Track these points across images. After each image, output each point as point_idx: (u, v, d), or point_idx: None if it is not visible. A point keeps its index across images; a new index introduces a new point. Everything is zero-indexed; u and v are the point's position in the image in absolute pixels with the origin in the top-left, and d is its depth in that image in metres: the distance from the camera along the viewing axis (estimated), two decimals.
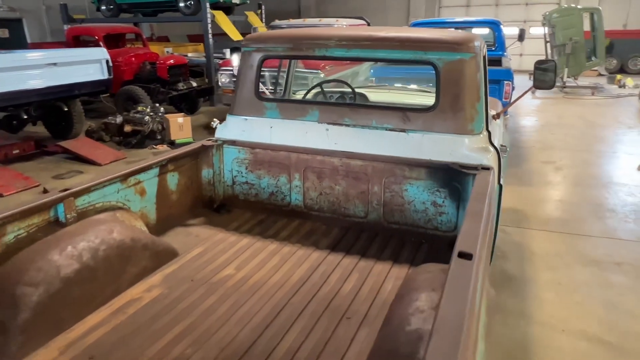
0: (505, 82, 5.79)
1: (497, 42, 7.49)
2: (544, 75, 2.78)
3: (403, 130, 2.55)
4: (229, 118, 2.97)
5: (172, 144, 7.14)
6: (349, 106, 2.71)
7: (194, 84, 9.52)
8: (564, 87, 12.48)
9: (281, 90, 3.77)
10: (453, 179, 2.47)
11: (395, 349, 1.32)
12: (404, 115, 2.55)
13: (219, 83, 7.51)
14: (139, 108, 7.49)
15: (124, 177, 2.37)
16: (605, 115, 9.69)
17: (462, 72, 2.42)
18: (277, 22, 8.62)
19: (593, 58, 12.39)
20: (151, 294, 2.06)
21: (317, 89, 3.58)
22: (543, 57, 13.47)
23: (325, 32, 2.69)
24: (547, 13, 12.56)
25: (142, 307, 1.96)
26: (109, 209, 2.29)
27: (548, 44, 13.16)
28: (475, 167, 2.36)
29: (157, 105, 7.57)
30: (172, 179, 2.76)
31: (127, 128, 7.45)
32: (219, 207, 3.01)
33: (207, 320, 1.88)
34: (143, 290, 2.08)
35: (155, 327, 1.84)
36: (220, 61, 10.40)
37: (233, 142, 2.91)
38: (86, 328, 1.82)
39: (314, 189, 2.81)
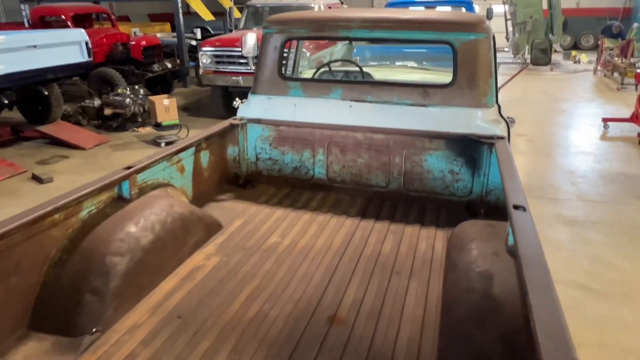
0: None
1: None
2: (541, 53, 3.07)
3: (423, 105, 2.79)
4: (252, 97, 3.11)
5: (158, 126, 7.11)
6: (371, 84, 2.92)
7: (169, 65, 9.40)
8: (525, 63, 13.10)
9: (288, 70, 3.91)
10: (469, 148, 2.74)
11: (470, 287, 1.57)
12: (423, 92, 2.78)
13: (200, 64, 7.49)
14: (119, 91, 7.39)
15: (171, 156, 2.49)
16: (565, 89, 10.32)
17: (477, 51, 2.67)
18: (253, 1, 8.60)
19: (551, 35, 13.03)
20: (211, 261, 2.23)
21: (325, 68, 3.76)
22: (503, 34, 14.06)
23: (348, 14, 2.86)
24: None
25: (208, 273, 2.13)
26: (159, 186, 2.42)
27: (509, 22, 13.73)
28: (491, 137, 2.63)
29: (137, 87, 7.48)
30: (205, 157, 2.90)
31: (107, 111, 7.34)
32: (244, 182, 3.17)
33: (272, 282, 2.07)
34: (203, 259, 2.24)
35: (227, 290, 2.01)
36: (194, 42, 10.27)
37: (258, 121, 3.06)
38: (164, 293, 1.97)
39: (337, 162, 3.02)
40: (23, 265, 1.70)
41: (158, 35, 11.35)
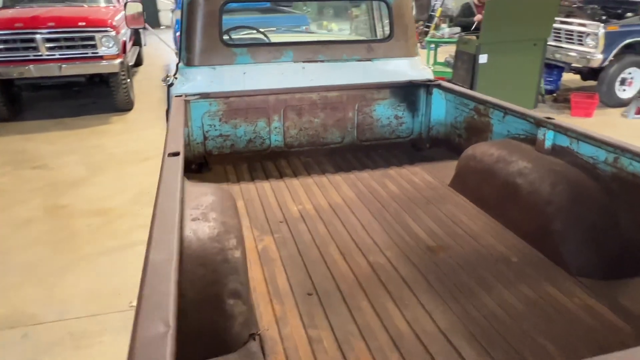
0: None
1: None
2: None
3: (369, 60, 3.01)
4: (189, 70, 2.78)
5: None
6: (321, 43, 2.96)
7: None
8: None
9: None
10: (410, 93, 3.12)
11: (554, 181, 1.94)
12: (368, 47, 3.00)
13: None
14: None
15: None
16: None
17: (407, 6, 3.02)
18: None
19: None
20: (267, 241, 2.06)
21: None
22: None
23: None
24: None
25: (280, 251, 1.98)
26: None
27: None
28: (429, 81, 3.06)
29: None
30: None
31: None
32: (198, 167, 2.84)
33: (343, 240, 2.06)
34: (257, 241, 2.05)
35: (316, 258, 1.93)
36: None
37: (205, 95, 2.76)
38: (258, 279, 1.78)
39: (294, 127, 3.00)
40: None
41: None
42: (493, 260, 1.89)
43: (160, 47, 13.14)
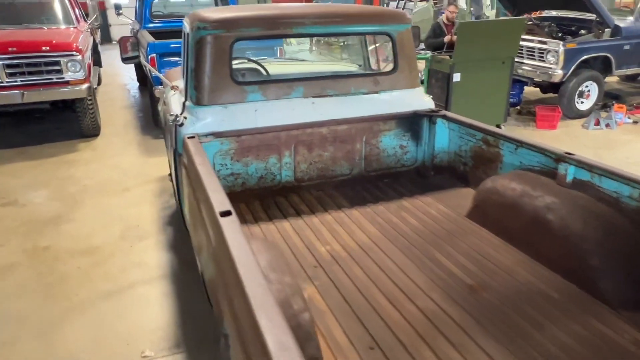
0: None
1: None
2: None
3: (376, 92, 3.05)
4: (200, 110, 2.70)
5: None
6: (330, 78, 2.96)
7: None
8: None
9: None
10: (414, 123, 3.18)
11: (594, 213, 2.03)
12: (374, 80, 3.04)
13: None
14: None
15: None
16: None
17: (409, 39, 3.08)
18: None
19: None
20: (304, 287, 2.03)
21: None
22: None
23: (300, 10, 2.79)
24: None
25: (313, 296, 1.96)
26: None
27: None
28: (433, 111, 3.14)
29: None
30: None
31: None
32: None
33: (376, 286, 2.06)
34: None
35: (360, 303, 1.92)
36: None
37: (218, 135, 2.69)
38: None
39: (304, 162, 2.98)
40: None
41: None
42: (535, 297, 1.95)
43: (115, 64, 12.71)
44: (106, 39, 16.27)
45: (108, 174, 5.47)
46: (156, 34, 7.11)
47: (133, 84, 10.36)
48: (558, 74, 6.60)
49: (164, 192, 4.91)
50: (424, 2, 12.16)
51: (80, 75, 6.00)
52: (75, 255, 3.84)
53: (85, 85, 6.06)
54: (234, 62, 3.93)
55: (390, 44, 3.03)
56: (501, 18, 7.20)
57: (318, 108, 2.91)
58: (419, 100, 3.17)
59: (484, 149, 2.87)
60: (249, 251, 1.43)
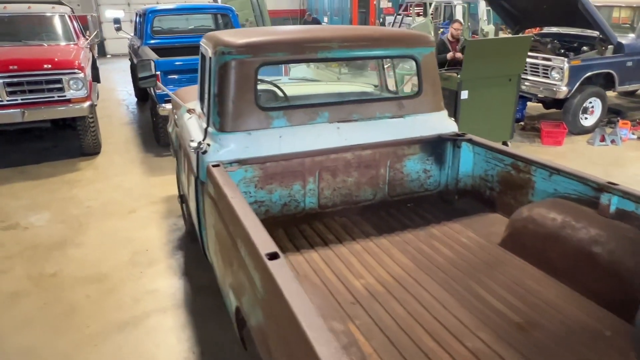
0: None
1: (236, 27, 8.00)
2: None
3: (401, 116, 2.98)
4: (223, 137, 2.61)
5: None
6: (355, 102, 2.89)
7: None
8: None
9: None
10: (437, 147, 3.12)
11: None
12: (399, 104, 2.97)
13: None
14: None
15: None
16: None
17: (433, 62, 3.03)
18: None
19: None
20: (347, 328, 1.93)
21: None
22: None
23: (327, 33, 2.72)
24: None
25: (357, 338, 1.86)
26: None
27: None
28: (458, 135, 3.08)
29: None
30: None
31: None
32: None
33: (420, 325, 1.97)
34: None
35: (405, 343, 1.83)
36: None
37: (244, 162, 2.60)
38: None
39: (327, 188, 2.89)
40: None
41: None
42: (588, 336, 1.87)
43: (111, 79, 12.60)
44: (101, 52, 16.14)
45: (112, 194, 5.33)
46: (157, 50, 7.02)
47: (131, 99, 10.25)
48: (563, 90, 6.61)
49: (171, 214, 4.79)
50: (422, 18, 12.22)
51: (82, 93, 5.89)
52: (83, 282, 3.70)
53: (87, 103, 5.94)
54: None
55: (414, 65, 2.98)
56: (508, 36, 7.22)
57: (343, 133, 2.84)
58: (443, 123, 3.11)
59: (513, 174, 2.80)
60: (307, 302, 1.33)
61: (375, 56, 2.96)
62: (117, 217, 4.78)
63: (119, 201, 5.15)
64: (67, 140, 7.11)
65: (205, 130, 2.71)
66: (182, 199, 4.25)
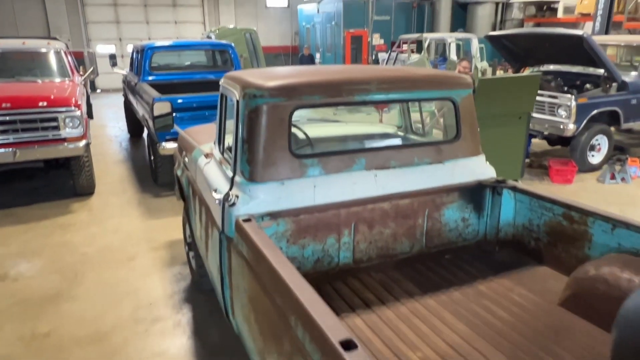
0: None
1: (235, 64, 7.86)
2: None
3: (440, 162, 2.77)
4: (253, 187, 2.35)
5: None
6: (393, 148, 2.67)
7: None
8: None
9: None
10: (476, 194, 2.90)
11: None
12: (437, 149, 2.76)
13: None
14: None
15: None
16: None
17: (471, 104, 2.85)
18: None
19: None
20: None
21: None
22: None
23: (363, 75, 2.53)
24: (213, 31, 13.68)
25: None
26: None
27: None
28: (499, 181, 2.87)
29: None
30: None
31: None
32: None
33: None
34: None
35: None
36: None
37: (275, 215, 2.34)
38: None
39: (363, 241, 2.64)
40: None
41: None
42: None
43: (102, 114, 12.33)
44: (92, 87, 15.92)
45: (109, 239, 4.98)
46: (155, 87, 6.81)
47: (123, 135, 9.97)
48: (570, 128, 6.54)
49: (174, 261, 4.46)
50: (416, 55, 12.32)
51: (79, 131, 5.61)
52: (82, 343, 3.33)
53: (82, 142, 5.66)
54: None
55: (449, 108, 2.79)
56: (519, 74, 7.20)
57: (380, 181, 2.61)
58: (482, 168, 2.91)
59: (566, 225, 2.59)
60: None
61: (413, 99, 2.77)
62: (115, 265, 4.43)
63: (117, 247, 4.80)
64: (59, 179, 6.78)
65: (232, 180, 2.45)
66: (190, 246, 3.94)
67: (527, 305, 2.37)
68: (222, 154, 2.85)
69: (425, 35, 12.24)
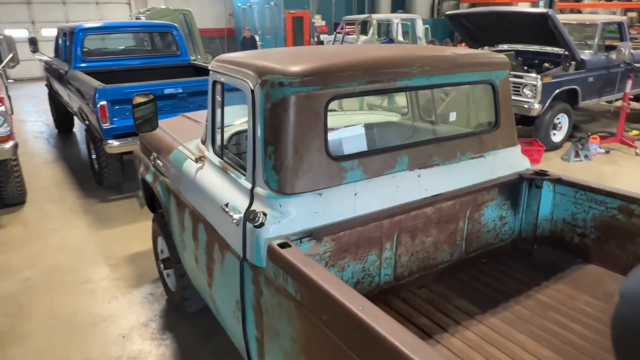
0: None
1: (181, 48, 7.08)
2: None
3: (481, 155, 2.41)
4: (284, 201, 1.84)
5: None
6: (434, 142, 2.25)
7: None
8: None
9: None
10: (513, 189, 2.59)
11: None
12: (479, 140, 2.39)
13: None
14: None
15: None
16: None
17: (508, 87, 2.51)
18: None
19: (197, 56, 13.35)
20: None
21: None
22: None
23: (405, 54, 2.07)
24: (142, 12, 12.52)
25: None
26: None
27: None
28: (540, 173, 2.57)
29: None
30: None
31: None
32: None
33: None
34: None
35: None
36: None
37: (308, 235, 1.85)
38: None
39: (405, 254, 2.23)
40: None
41: None
42: None
43: (21, 108, 10.89)
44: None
45: (55, 259, 4.20)
46: (90, 75, 5.92)
47: (50, 130, 8.80)
48: (536, 107, 6.51)
49: (142, 280, 3.81)
50: (364, 36, 11.99)
51: (4, 130, 4.70)
52: None
53: (10, 144, 4.76)
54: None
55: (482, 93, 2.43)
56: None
57: (423, 182, 2.20)
58: (519, 159, 2.60)
59: (622, 220, 2.33)
60: None
61: (454, 83, 2.36)
62: (69, 291, 3.71)
63: (67, 268, 4.05)
64: None
65: (252, 192, 1.93)
66: (165, 264, 3.33)
67: (600, 315, 2.09)
68: (222, 157, 2.30)
69: (373, 15, 11.92)
